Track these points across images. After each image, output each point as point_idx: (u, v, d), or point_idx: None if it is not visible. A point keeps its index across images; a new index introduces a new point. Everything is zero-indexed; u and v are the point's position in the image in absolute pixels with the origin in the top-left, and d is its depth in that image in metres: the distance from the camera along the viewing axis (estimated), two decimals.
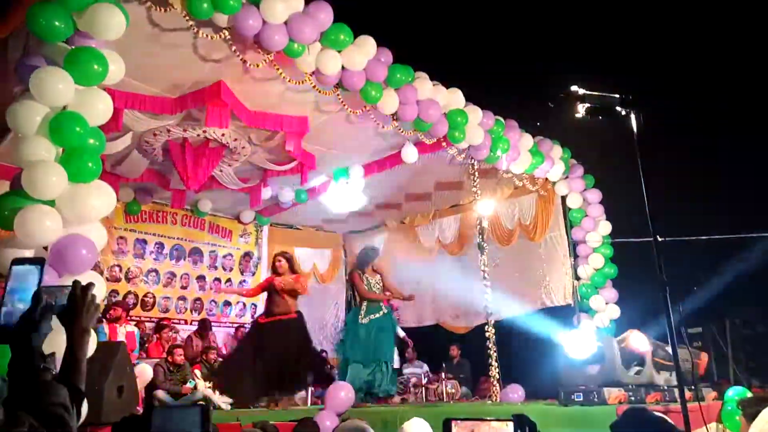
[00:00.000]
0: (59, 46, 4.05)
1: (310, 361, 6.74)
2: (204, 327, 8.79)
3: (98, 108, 4.04)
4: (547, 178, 8.17)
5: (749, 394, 4.59)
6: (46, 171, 3.79)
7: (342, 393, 5.53)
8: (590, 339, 5.52)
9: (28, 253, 3.78)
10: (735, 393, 4.69)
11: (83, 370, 1.34)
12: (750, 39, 8.01)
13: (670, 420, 1.93)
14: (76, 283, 1.42)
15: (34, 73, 3.85)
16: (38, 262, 1.47)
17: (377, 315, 6.85)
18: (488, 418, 1.69)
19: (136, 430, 1.52)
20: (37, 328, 1.36)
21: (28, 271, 1.43)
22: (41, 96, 3.85)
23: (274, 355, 6.43)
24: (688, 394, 3.68)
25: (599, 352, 5.43)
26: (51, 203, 3.82)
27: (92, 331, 3.91)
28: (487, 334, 6.87)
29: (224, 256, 9.77)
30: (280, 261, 6.88)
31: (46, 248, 3.82)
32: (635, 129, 3.45)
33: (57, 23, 3.94)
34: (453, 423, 1.70)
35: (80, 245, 3.82)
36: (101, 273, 7.84)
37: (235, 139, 6.86)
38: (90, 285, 1.43)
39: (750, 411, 3.90)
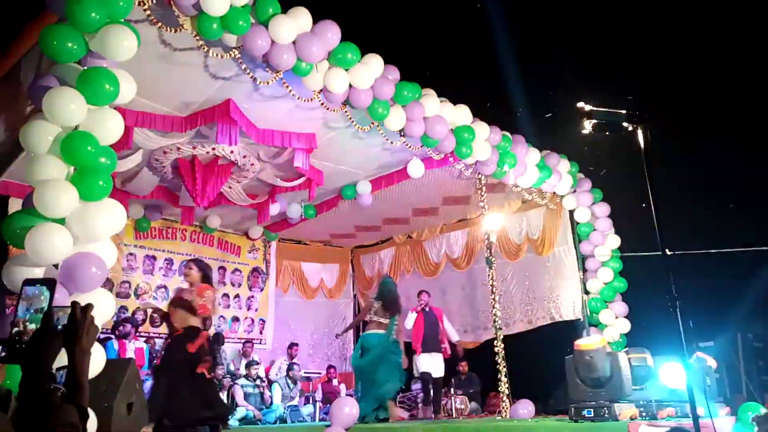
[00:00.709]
0: (71, 66, 4.11)
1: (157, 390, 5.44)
2: (217, 341, 8.82)
3: (109, 127, 4.08)
4: (555, 192, 8.17)
5: (762, 410, 4.53)
6: (57, 189, 3.83)
7: (347, 408, 5.52)
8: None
9: (38, 271, 3.82)
10: (748, 409, 4.64)
11: (86, 389, 1.35)
12: (759, 50, 8.01)
13: None
14: (75, 304, 1.42)
15: (47, 93, 3.90)
16: (49, 282, 1.48)
17: None
18: None
19: None
20: (47, 348, 1.37)
21: (39, 292, 1.45)
22: (53, 116, 3.91)
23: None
24: (700, 409, 3.65)
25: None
26: (61, 221, 3.86)
27: (101, 347, 3.89)
28: (496, 349, 6.84)
29: (233, 272, 9.80)
30: (190, 268, 5.84)
31: (56, 266, 3.86)
32: (642, 144, 3.47)
33: (69, 44, 4.01)
34: None
35: (90, 263, 3.85)
36: (110, 289, 7.88)
37: (244, 156, 6.92)
38: (89, 306, 1.44)
39: (765, 427, 3.86)
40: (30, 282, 1.47)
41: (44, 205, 3.80)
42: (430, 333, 7.54)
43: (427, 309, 7.70)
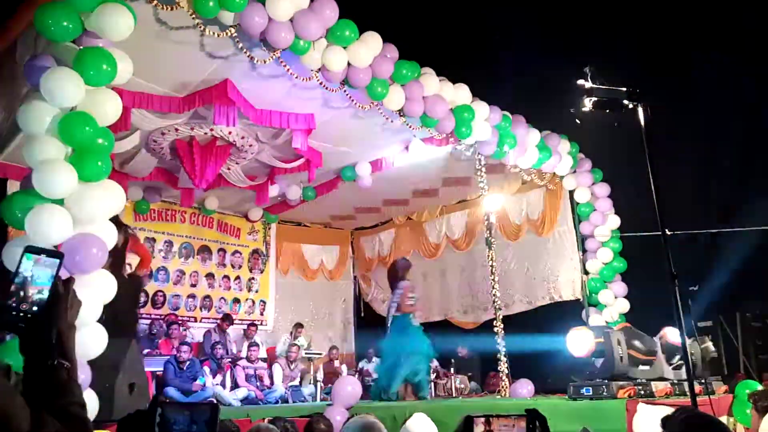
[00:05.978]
0: (68, 46, 4.07)
1: None
2: (228, 321, 8.89)
3: (107, 108, 4.06)
4: (555, 173, 8.14)
5: (760, 388, 4.56)
6: (57, 170, 3.82)
7: (349, 387, 5.57)
8: (588, 336, 5.56)
9: None
10: (746, 386, 4.68)
11: (75, 364, 1.32)
12: (758, 26, 7.92)
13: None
14: (56, 278, 1.38)
15: (44, 74, 3.87)
16: (57, 255, 1.42)
17: None
18: (504, 414, 1.69)
19: (142, 426, 1.50)
20: (53, 322, 1.33)
21: (45, 263, 1.39)
22: (51, 96, 3.88)
23: None
24: (698, 387, 3.68)
25: (598, 348, 5.45)
26: (60, 202, 3.85)
27: (103, 329, 3.87)
28: (495, 329, 6.87)
29: (233, 254, 9.81)
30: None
31: (55, 247, 3.85)
32: (643, 122, 3.45)
33: (65, 23, 3.96)
34: (474, 420, 1.67)
35: (91, 244, 3.85)
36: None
37: (242, 137, 6.88)
38: (70, 279, 1.40)
39: (761, 404, 3.89)
40: (36, 250, 1.40)
41: (43, 186, 3.79)
42: None
43: None
